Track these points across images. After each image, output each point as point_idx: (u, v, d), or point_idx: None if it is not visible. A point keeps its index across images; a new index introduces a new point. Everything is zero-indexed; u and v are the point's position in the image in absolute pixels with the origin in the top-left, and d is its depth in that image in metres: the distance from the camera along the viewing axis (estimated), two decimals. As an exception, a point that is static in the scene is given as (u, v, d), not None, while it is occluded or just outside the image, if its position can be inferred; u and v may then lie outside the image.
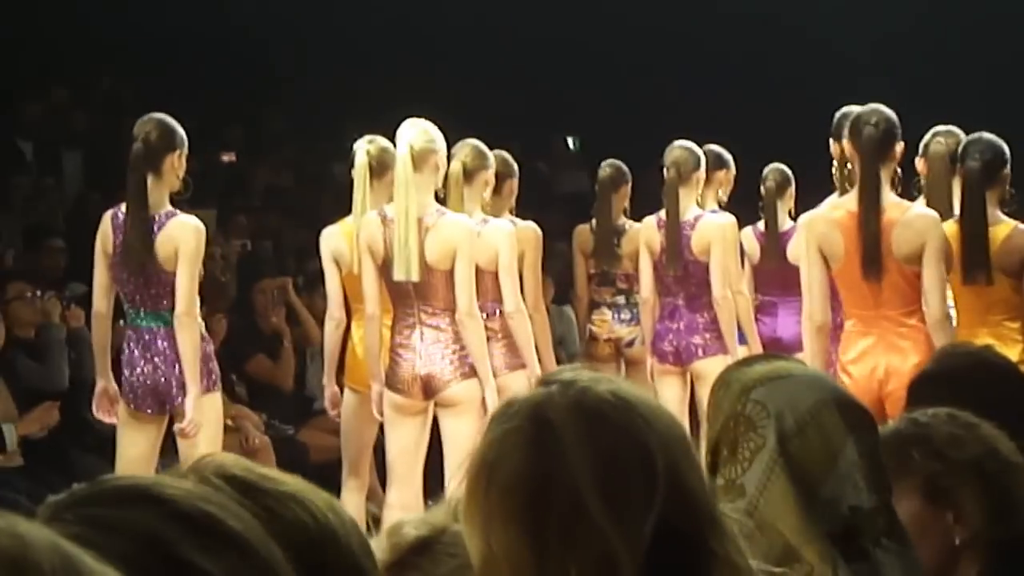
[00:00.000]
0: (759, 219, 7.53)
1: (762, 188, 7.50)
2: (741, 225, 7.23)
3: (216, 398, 5.72)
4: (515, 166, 6.94)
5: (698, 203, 7.11)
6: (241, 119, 12.72)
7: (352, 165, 6.21)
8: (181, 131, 5.71)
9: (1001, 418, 2.46)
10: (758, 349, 6.99)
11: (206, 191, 10.34)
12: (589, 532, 1.58)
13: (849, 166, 5.70)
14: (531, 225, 6.77)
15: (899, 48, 12.98)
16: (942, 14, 12.95)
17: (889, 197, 5.40)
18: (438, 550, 1.91)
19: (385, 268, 5.82)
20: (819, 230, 5.46)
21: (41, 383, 7.12)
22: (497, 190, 6.56)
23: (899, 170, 5.54)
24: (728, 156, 7.51)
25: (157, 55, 12.33)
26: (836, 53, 12.86)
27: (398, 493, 5.70)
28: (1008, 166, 5.75)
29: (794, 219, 7.18)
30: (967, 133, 5.93)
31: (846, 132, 5.63)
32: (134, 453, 5.64)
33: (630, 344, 7.69)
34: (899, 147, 5.50)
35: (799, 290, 5.79)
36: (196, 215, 5.88)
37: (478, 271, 5.85)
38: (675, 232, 6.95)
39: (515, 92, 13.27)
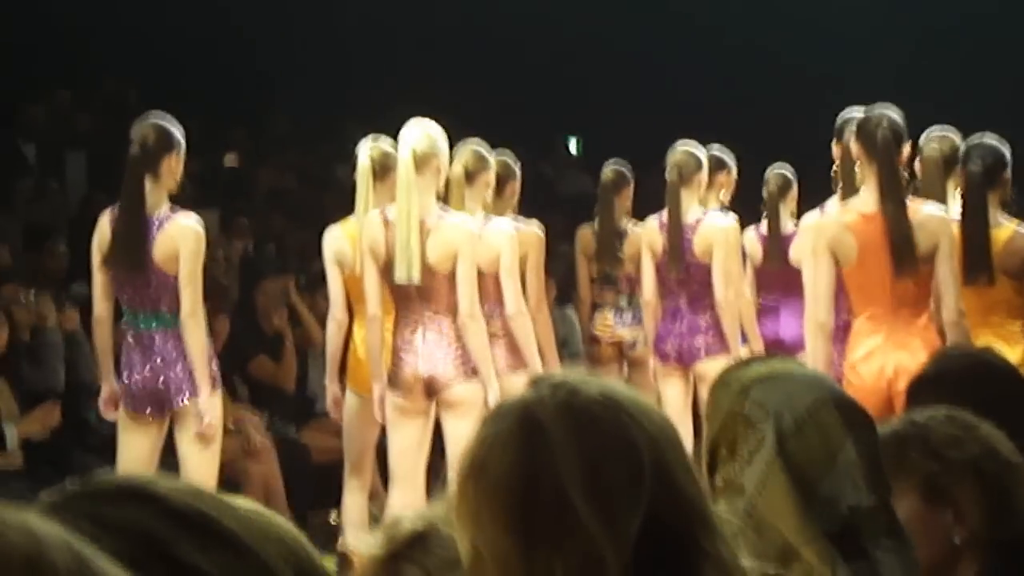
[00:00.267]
0: (759, 221, 7.53)
1: (764, 190, 7.50)
2: (743, 227, 7.23)
3: (217, 399, 5.72)
4: (517, 167, 6.94)
5: (700, 205, 7.11)
6: (244, 121, 12.73)
7: (355, 166, 6.22)
8: (179, 133, 5.70)
9: (1000, 418, 2.47)
10: (760, 351, 6.99)
11: (209, 193, 10.36)
12: (575, 533, 1.59)
13: (856, 167, 5.70)
14: (534, 227, 6.78)
15: (901, 49, 12.97)
16: (944, 15, 12.94)
17: None
18: (431, 543, 1.94)
19: (387, 269, 5.82)
20: (830, 234, 5.46)
21: (36, 385, 7.13)
22: (499, 191, 6.57)
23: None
24: (730, 158, 7.51)
25: (160, 57, 12.34)
26: (839, 55, 12.86)
27: (400, 494, 5.70)
28: (1009, 168, 5.76)
29: (796, 221, 7.19)
30: (968, 134, 5.94)
31: (851, 134, 5.63)
32: (134, 456, 5.64)
33: (632, 346, 7.70)
34: (907, 147, 5.53)
35: (801, 292, 5.80)
36: (197, 216, 5.88)
37: (480, 273, 5.85)
38: (677, 234, 6.95)
39: (518, 94, 13.27)
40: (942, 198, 5.78)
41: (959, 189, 5.97)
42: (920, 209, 5.42)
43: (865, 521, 2.05)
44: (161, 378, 5.61)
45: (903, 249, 5.30)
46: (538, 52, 13.43)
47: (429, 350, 5.77)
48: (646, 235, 7.15)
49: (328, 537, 6.39)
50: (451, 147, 6.04)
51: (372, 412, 5.96)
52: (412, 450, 5.80)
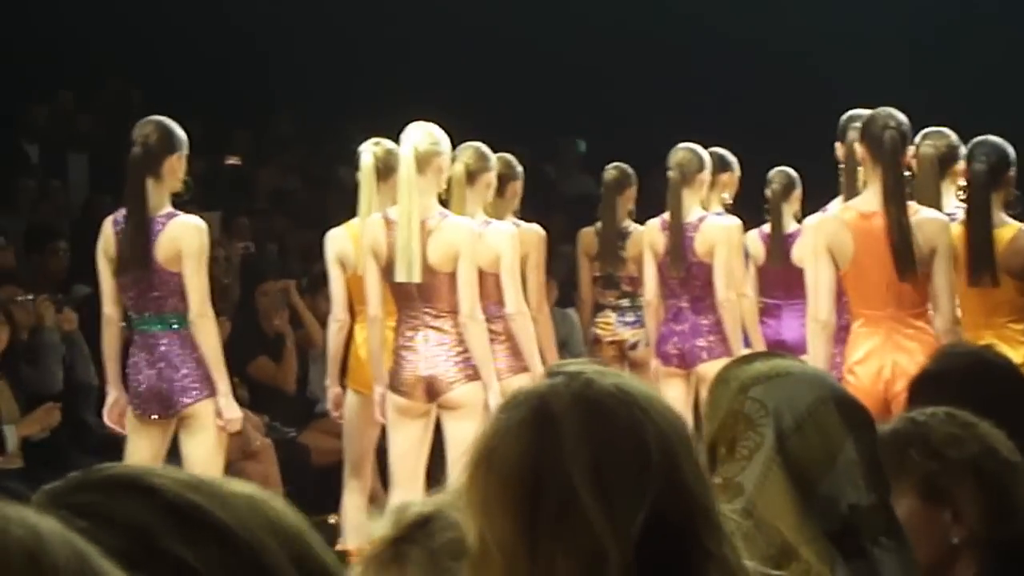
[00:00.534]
0: (764, 222, 7.53)
1: (767, 191, 7.50)
2: (746, 228, 7.23)
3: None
4: (518, 168, 6.94)
5: (702, 205, 7.11)
6: (247, 122, 12.74)
7: (358, 168, 6.23)
8: (181, 133, 5.70)
9: (1000, 417, 2.46)
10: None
11: (212, 194, 10.37)
12: (579, 525, 1.59)
13: (859, 168, 5.70)
14: (535, 227, 6.78)
15: (904, 49, 12.96)
16: (946, 16, 12.93)
17: None
18: (436, 525, 1.97)
19: (388, 270, 5.83)
20: (829, 231, 5.47)
21: (35, 386, 7.15)
22: (500, 192, 6.57)
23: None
24: (732, 158, 7.51)
25: (163, 58, 12.34)
26: (842, 55, 12.85)
27: (400, 495, 5.68)
28: (1013, 168, 5.75)
29: (800, 222, 7.18)
30: (969, 135, 5.94)
31: (856, 135, 5.63)
32: (141, 457, 5.64)
33: (634, 347, 7.69)
34: (911, 150, 5.53)
35: (803, 292, 5.80)
36: (200, 216, 5.88)
37: (480, 273, 5.85)
38: (678, 234, 6.95)
39: (521, 95, 13.26)
40: (937, 197, 5.79)
41: (955, 187, 5.98)
42: (919, 211, 5.42)
43: (864, 520, 2.04)
44: (166, 380, 5.61)
45: (903, 253, 5.30)
46: (541, 54, 13.42)
47: (430, 351, 5.77)
48: (648, 235, 7.15)
49: (328, 538, 6.37)
50: (453, 149, 6.04)
51: (373, 412, 5.97)
52: (412, 451, 5.80)
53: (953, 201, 6.00)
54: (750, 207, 7.55)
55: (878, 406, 5.09)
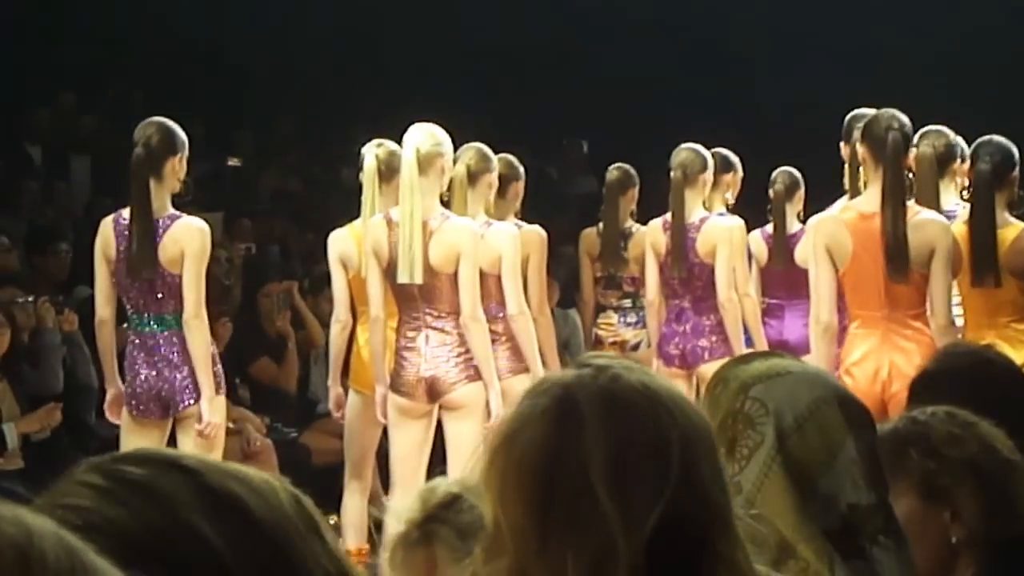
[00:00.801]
0: (767, 222, 7.52)
1: (771, 191, 7.50)
2: (749, 228, 7.22)
3: (220, 401, 5.72)
4: (520, 169, 6.94)
5: (705, 206, 7.10)
6: (249, 124, 12.75)
7: (360, 169, 6.23)
8: (182, 134, 5.71)
9: (1001, 416, 2.45)
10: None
11: (214, 195, 10.37)
12: (592, 518, 1.59)
13: (861, 168, 5.69)
14: (536, 228, 6.78)
15: (906, 50, 12.95)
16: (949, 16, 12.92)
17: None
18: (462, 503, 2.02)
19: (390, 271, 5.83)
20: (827, 231, 5.47)
21: (35, 387, 7.17)
22: (502, 193, 6.57)
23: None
24: (735, 159, 7.50)
25: (166, 60, 12.35)
26: (844, 56, 12.84)
27: (401, 496, 5.68)
28: (1017, 168, 5.75)
29: (803, 222, 7.17)
30: (971, 135, 5.94)
31: (861, 135, 5.63)
32: None
33: (635, 347, 7.68)
34: (913, 151, 5.53)
35: (806, 293, 5.80)
36: (202, 218, 5.88)
37: (482, 274, 5.85)
38: (680, 234, 6.94)
39: (524, 96, 13.26)
40: (935, 196, 5.79)
41: (953, 186, 5.98)
42: (919, 212, 5.42)
43: (864, 519, 2.03)
44: (165, 381, 5.61)
45: (897, 255, 5.30)
46: (544, 55, 13.42)
47: (432, 352, 5.77)
48: (650, 235, 7.14)
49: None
50: (456, 150, 6.04)
51: (375, 412, 5.97)
52: (414, 452, 5.80)
53: (952, 200, 6.00)
54: (753, 207, 7.54)
55: (875, 407, 5.08)
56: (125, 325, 5.87)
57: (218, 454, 5.65)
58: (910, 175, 5.53)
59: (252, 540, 1.07)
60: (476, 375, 5.75)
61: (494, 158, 6.40)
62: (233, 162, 12.21)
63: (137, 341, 5.70)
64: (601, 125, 13.25)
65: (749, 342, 6.99)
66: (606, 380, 1.65)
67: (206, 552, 1.05)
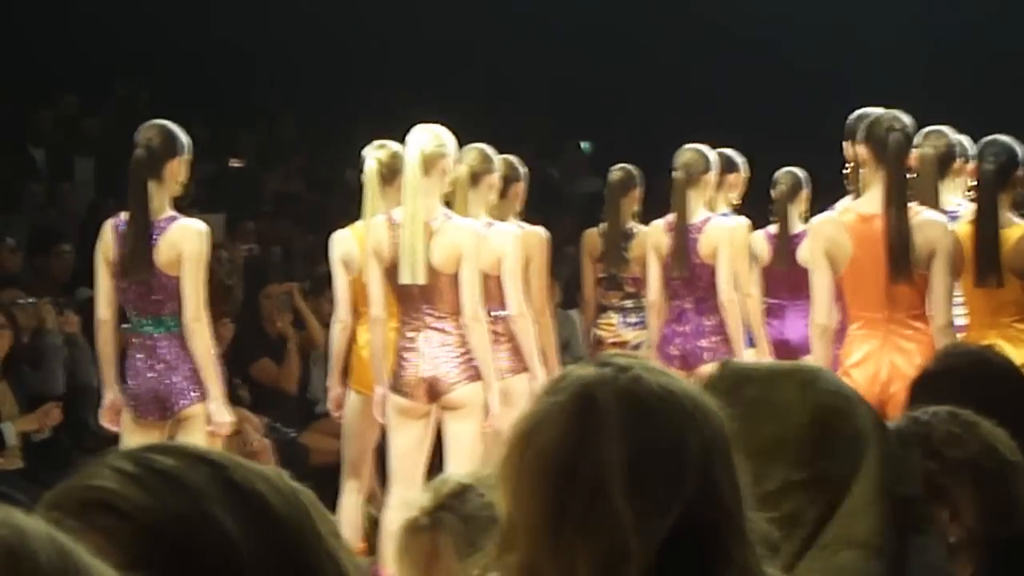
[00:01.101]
0: (770, 222, 7.51)
1: (774, 191, 7.48)
2: (753, 228, 7.20)
3: (224, 402, 5.73)
4: (522, 170, 6.94)
5: (708, 206, 7.09)
6: (253, 125, 12.76)
7: (363, 171, 6.24)
8: (184, 137, 5.70)
9: (1001, 417, 2.44)
10: (767, 352, 6.97)
11: (216, 196, 10.38)
12: (605, 519, 1.58)
13: (862, 169, 5.68)
14: (538, 229, 6.78)
15: (909, 49, 12.94)
16: (952, 16, 12.91)
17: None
18: (471, 493, 2.05)
19: (391, 271, 5.83)
20: (826, 233, 5.46)
21: (37, 387, 7.19)
22: (503, 194, 6.57)
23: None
24: (740, 159, 7.49)
25: (169, 63, 12.36)
26: (848, 56, 12.83)
27: (399, 495, 5.68)
28: (1022, 168, 5.73)
29: (806, 222, 7.15)
30: (973, 134, 5.93)
31: (862, 135, 5.61)
32: None
33: (636, 348, 7.66)
34: (915, 152, 5.51)
35: (808, 293, 5.78)
36: (203, 219, 5.88)
37: (483, 275, 5.85)
38: (682, 234, 6.93)
39: (526, 97, 13.27)
40: (936, 196, 5.77)
41: (954, 186, 5.97)
42: (920, 213, 5.40)
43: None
44: (164, 382, 5.61)
45: (899, 257, 5.29)
46: (548, 55, 13.42)
47: (433, 352, 5.78)
48: (652, 236, 7.13)
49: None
50: (458, 150, 6.04)
51: (373, 412, 5.97)
52: (413, 451, 5.80)
53: (953, 200, 5.99)
54: (757, 208, 7.52)
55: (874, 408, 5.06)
56: (126, 326, 5.87)
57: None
58: (911, 175, 5.52)
59: (271, 536, 1.08)
60: (476, 375, 5.75)
61: (496, 159, 6.40)
62: (236, 163, 12.22)
63: (136, 342, 5.71)
64: (604, 126, 13.25)
65: (751, 342, 6.98)
66: (627, 380, 1.64)
67: (224, 544, 1.07)
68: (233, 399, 7.34)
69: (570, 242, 8.84)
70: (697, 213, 6.98)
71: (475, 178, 6.28)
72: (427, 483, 5.72)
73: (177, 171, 5.65)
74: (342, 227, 6.46)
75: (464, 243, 5.74)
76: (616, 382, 1.63)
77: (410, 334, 5.83)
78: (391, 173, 6.16)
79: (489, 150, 6.38)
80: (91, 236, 6.07)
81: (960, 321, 5.53)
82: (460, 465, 5.34)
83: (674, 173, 7.01)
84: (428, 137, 5.78)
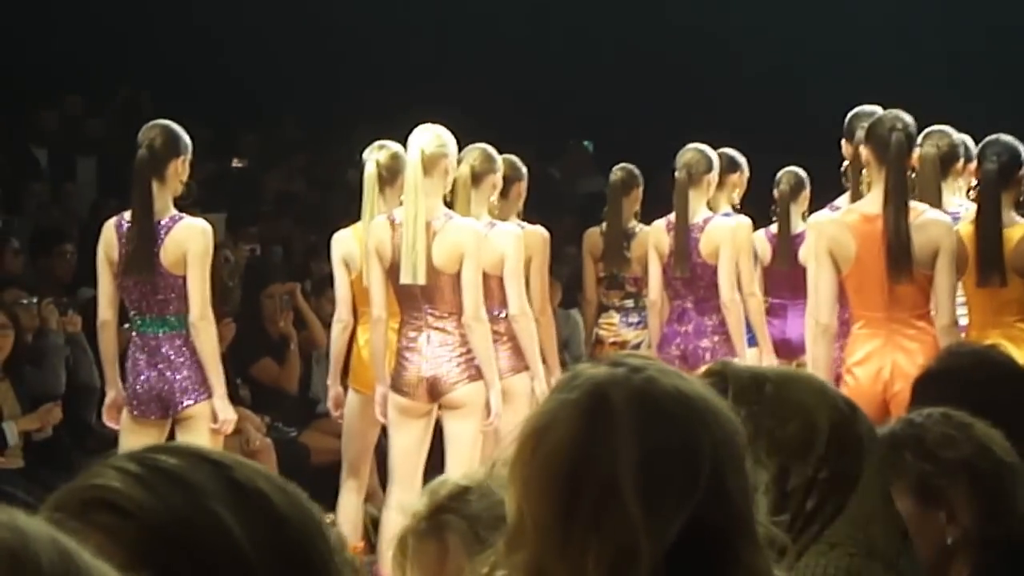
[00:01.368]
0: (771, 222, 7.51)
1: (775, 191, 7.48)
2: (754, 228, 7.20)
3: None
4: (523, 170, 6.94)
5: (710, 206, 7.08)
6: (255, 126, 12.76)
7: (363, 171, 6.25)
8: (186, 137, 5.72)
9: (1003, 416, 2.44)
10: (769, 352, 6.96)
11: (218, 196, 10.38)
12: (616, 519, 1.58)
13: (864, 169, 5.66)
14: (539, 229, 6.78)
15: (910, 49, 12.93)
16: (954, 17, 12.90)
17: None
18: (471, 495, 2.05)
19: (392, 271, 5.83)
20: (830, 233, 5.45)
21: (38, 387, 7.21)
22: (505, 193, 6.57)
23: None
24: (742, 159, 7.49)
25: (172, 63, 12.37)
26: (851, 55, 12.82)
27: (399, 494, 5.70)
28: (1024, 168, 5.73)
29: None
30: (977, 134, 5.92)
31: (862, 135, 5.60)
32: None
33: (636, 347, 7.66)
34: (917, 152, 5.51)
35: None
36: (204, 219, 5.88)
37: (484, 274, 5.85)
38: (683, 234, 6.93)
39: (529, 97, 13.26)
40: (938, 196, 5.77)
41: (956, 186, 5.96)
42: (924, 212, 5.39)
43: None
44: (166, 381, 5.63)
45: (899, 257, 5.28)
46: (550, 55, 13.42)
47: (433, 352, 5.78)
48: (653, 235, 7.13)
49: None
50: (460, 151, 6.04)
51: (374, 412, 5.98)
52: (413, 451, 5.81)
53: (955, 200, 5.98)
54: (758, 207, 7.52)
55: (877, 407, 5.07)
56: (127, 326, 5.88)
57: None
58: (913, 175, 5.51)
59: (275, 535, 1.09)
60: (477, 375, 5.76)
61: (498, 159, 6.40)
62: (238, 163, 12.22)
63: (139, 342, 5.72)
64: (606, 125, 13.24)
65: (753, 342, 6.97)
66: (640, 381, 1.63)
67: (228, 542, 1.07)
68: (234, 398, 7.36)
69: (571, 242, 8.84)
70: (698, 213, 6.97)
71: (477, 178, 6.28)
72: (425, 485, 5.78)
73: (179, 171, 5.67)
74: (343, 227, 6.46)
75: (465, 243, 5.74)
76: (629, 382, 1.63)
77: (411, 334, 5.83)
78: (391, 174, 6.17)
79: (491, 150, 6.38)
80: (93, 236, 6.09)
81: (961, 321, 5.52)
82: (460, 465, 5.34)
83: (676, 173, 7.00)
84: (429, 137, 5.78)
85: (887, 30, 13.06)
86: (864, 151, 5.53)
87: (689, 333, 6.96)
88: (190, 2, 12.84)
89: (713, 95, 12.92)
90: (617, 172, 7.89)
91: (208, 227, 5.68)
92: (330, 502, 6.18)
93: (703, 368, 6.67)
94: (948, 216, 5.56)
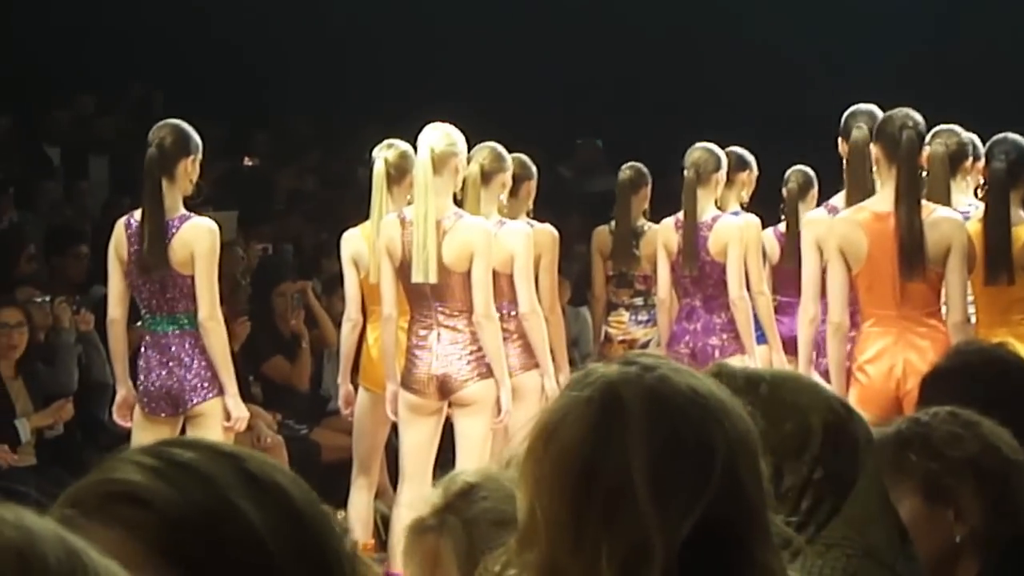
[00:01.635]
0: (780, 220, 7.51)
1: (784, 190, 7.48)
2: (763, 226, 7.20)
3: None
4: (533, 168, 6.95)
5: (719, 205, 7.09)
6: (267, 125, 12.77)
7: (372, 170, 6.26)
8: (196, 137, 5.73)
9: (1012, 414, 2.45)
10: (779, 349, 6.97)
11: (230, 195, 10.40)
12: (629, 516, 1.58)
13: (874, 168, 5.66)
14: (548, 227, 6.79)
15: (912, 49, 12.91)
16: (956, 17, 12.88)
17: None
18: (476, 494, 2.05)
19: (403, 270, 5.85)
20: (841, 232, 5.46)
21: (51, 385, 7.23)
22: (514, 192, 6.57)
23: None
24: (750, 157, 7.49)
25: (184, 62, 12.39)
26: (853, 55, 12.81)
27: (409, 492, 5.72)
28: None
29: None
30: (980, 132, 5.92)
31: (874, 134, 5.61)
32: None
33: (645, 345, 7.67)
34: (926, 150, 5.52)
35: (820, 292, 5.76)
36: (216, 217, 5.90)
37: (494, 273, 5.87)
38: (692, 232, 6.94)
39: (537, 96, 13.26)
40: (947, 195, 5.77)
41: (965, 185, 5.96)
42: (935, 211, 5.40)
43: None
44: (177, 379, 5.65)
45: (912, 253, 5.29)
46: (560, 54, 13.42)
47: (444, 349, 5.80)
48: (662, 234, 7.14)
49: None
50: (470, 149, 6.05)
51: (384, 409, 6.00)
52: (423, 448, 5.83)
53: (964, 199, 5.98)
54: (766, 206, 7.52)
55: (890, 404, 5.08)
56: (139, 324, 5.90)
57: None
58: (923, 174, 5.51)
59: (293, 527, 1.09)
60: (487, 372, 5.77)
61: (508, 157, 6.41)
62: (250, 162, 12.24)
63: (150, 340, 5.74)
64: (615, 124, 13.23)
65: (762, 339, 6.98)
66: (653, 380, 1.63)
67: (249, 534, 1.07)
68: (245, 396, 7.38)
69: (580, 240, 8.84)
70: (707, 211, 6.98)
71: (487, 177, 6.29)
72: (437, 481, 5.80)
73: (189, 170, 5.68)
74: (353, 226, 6.48)
75: (475, 241, 5.75)
76: (642, 380, 1.63)
77: (422, 332, 5.84)
78: (399, 172, 6.18)
79: (500, 149, 6.39)
80: (105, 235, 6.10)
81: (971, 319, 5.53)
82: (470, 462, 5.35)
83: (684, 172, 7.01)
84: (439, 136, 5.79)
85: (896, 32, 13.04)
86: (874, 149, 5.54)
87: (698, 331, 6.97)
88: (202, 2, 12.86)
89: (722, 93, 12.91)
90: (626, 171, 7.90)
91: (215, 226, 5.70)
92: (341, 499, 6.20)
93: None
94: (959, 214, 5.56)
